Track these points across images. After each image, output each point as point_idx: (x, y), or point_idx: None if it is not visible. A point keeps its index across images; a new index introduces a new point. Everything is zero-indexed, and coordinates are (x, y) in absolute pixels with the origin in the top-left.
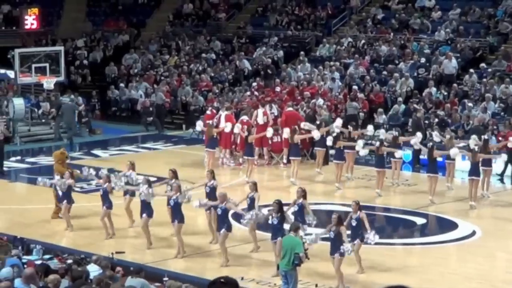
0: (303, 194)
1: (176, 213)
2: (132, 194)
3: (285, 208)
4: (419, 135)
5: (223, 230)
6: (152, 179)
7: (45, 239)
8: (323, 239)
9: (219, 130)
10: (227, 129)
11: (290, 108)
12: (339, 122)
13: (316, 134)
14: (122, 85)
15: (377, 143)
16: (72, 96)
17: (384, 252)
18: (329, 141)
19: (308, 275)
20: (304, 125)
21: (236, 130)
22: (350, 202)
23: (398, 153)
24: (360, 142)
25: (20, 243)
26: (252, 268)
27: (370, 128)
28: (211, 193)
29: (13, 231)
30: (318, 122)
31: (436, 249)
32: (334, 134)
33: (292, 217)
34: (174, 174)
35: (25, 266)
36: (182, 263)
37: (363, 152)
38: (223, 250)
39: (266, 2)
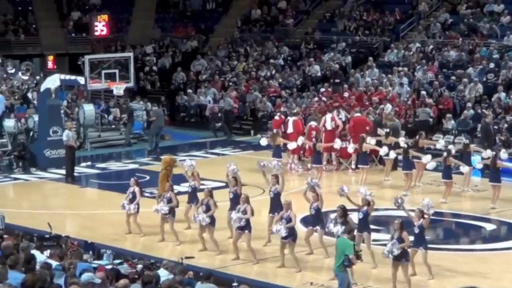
0: (367, 202)
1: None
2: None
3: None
4: (489, 152)
5: (289, 240)
6: (221, 184)
7: (115, 244)
8: (381, 244)
9: (284, 141)
10: (291, 146)
11: (358, 114)
12: (405, 139)
13: (382, 151)
14: (190, 91)
15: (445, 154)
16: (142, 102)
17: (455, 258)
18: (394, 154)
19: (377, 281)
20: (370, 139)
21: (299, 142)
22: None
23: (465, 169)
24: (428, 156)
25: (90, 248)
26: (323, 274)
27: (441, 142)
28: (275, 199)
29: (84, 236)
30: (387, 130)
31: (506, 255)
32: (399, 151)
33: (356, 223)
34: (236, 181)
35: (96, 271)
36: (252, 268)
37: (431, 165)
38: (294, 258)
39: (334, 8)
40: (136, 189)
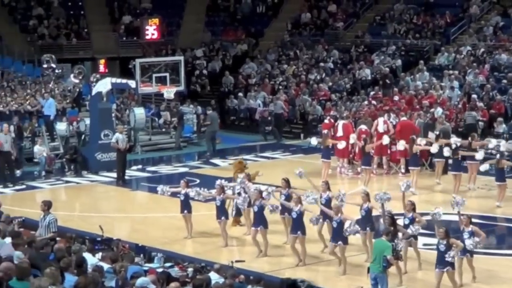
0: (412, 207)
1: (299, 224)
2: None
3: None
4: None
5: (340, 243)
6: (271, 188)
7: (165, 247)
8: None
9: (334, 142)
10: (341, 146)
11: (404, 118)
12: (457, 139)
13: (434, 149)
14: (240, 94)
15: (498, 156)
16: (192, 106)
17: (506, 263)
18: (447, 152)
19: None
20: (421, 140)
21: (351, 141)
22: (469, 212)
23: None
24: (481, 152)
25: (141, 251)
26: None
27: (493, 141)
28: (326, 205)
29: (135, 239)
30: (437, 133)
31: None
32: (453, 147)
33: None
34: (287, 184)
35: (147, 274)
36: (301, 272)
37: (484, 167)
38: (343, 261)
39: (384, 11)
40: (188, 190)
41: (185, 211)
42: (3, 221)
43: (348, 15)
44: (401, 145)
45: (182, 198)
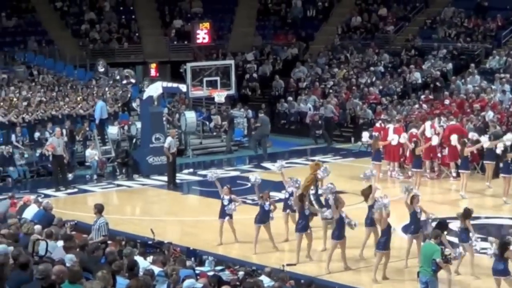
0: (465, 214)
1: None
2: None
3: None
4: None
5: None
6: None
7: (216, 250)
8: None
9: (385, 143)
10: (394, 142)
11: (453, 122)
12: (510, 136)
13: (485, 143)
14: (291, 98)
15: None
16: (242, 110)
17: None
18: (499, 149)
19: None
20: (473, 135)
21: (402, 140)
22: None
23: None
24: None
25: (193, 254)
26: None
27: None
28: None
29: (186, 243)
30: (488, 136)
31: None
32: (502, 148)
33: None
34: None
35: (198, 277)
36: (351, 275)
37: None
38: (376, 266)
39: (434, 15)
40: (233, 197)
41: (227, 217)
42: (56, 224)
43: (399, 19)
44: (454, 140)
45: (226, 203)
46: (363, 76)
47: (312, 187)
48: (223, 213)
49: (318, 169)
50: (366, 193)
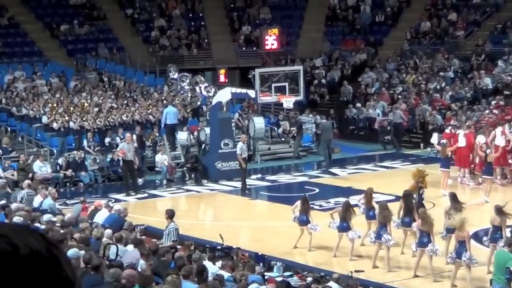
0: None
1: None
2: None
3: None
4: None
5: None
6: (391, 197)
7: (285, 256)
8: None
9: (452, 148)
10: (461, 144)
11: None
12: None
13: None
14: (359, 104)
15: None
16: (311, 115)
17: None
18: None
19: None
20: None
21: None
22: None
23: None
24: None
25: (261, 260)
26: None
27: None
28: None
29: (255, 248)
30: None
31: None
32: None
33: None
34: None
35: (266, 283)
36: (422, 283)
37: None
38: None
39: (505, 19)
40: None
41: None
42: (126, 228)
43: (469, 24)
44: None
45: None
46: (433, 81)
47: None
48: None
49: (421, 176)
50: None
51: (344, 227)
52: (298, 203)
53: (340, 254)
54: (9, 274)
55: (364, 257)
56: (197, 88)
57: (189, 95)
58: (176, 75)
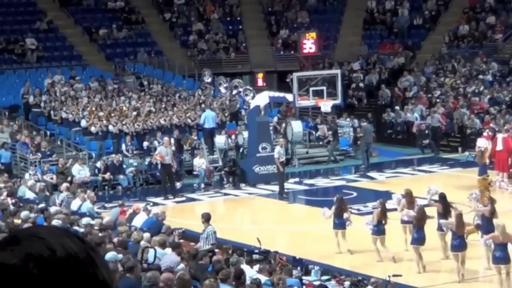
0: None
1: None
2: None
3: None
4: None
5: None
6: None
7: (322, 260)
8: None
9: (488, 154)
10: (499, 148)
11: None
12: None
13: None
14: (397, 107)
15: None
16: (348, 119)
17: None
18: None
19: None
20: None
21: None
22: None
23: None
24: None
25: (299, 263)
26: None
27: None
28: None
29: (292, 252)
30: None
31: None
32: None
33: None
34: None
35: (304, 286)
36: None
37: None
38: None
39: None
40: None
41: (339, 228)
42: (164, 232)
43: (507, 27)
44: None
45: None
46: (471, 85)
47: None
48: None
49: (487, 184)
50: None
51: (379, 230)
52: (332, 208)
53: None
54: (46, 276)
55: (404, 260)
56: (236, 92)
57: (228, 98)
58: (210, 79)
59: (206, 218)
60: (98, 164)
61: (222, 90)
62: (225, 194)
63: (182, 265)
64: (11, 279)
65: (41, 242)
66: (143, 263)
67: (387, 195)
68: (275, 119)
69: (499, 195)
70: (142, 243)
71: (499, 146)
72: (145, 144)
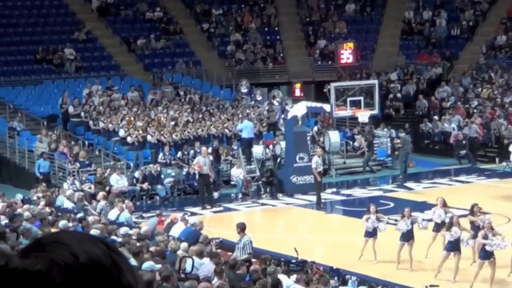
0: None
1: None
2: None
3: None
4: None
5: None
6: (465, 212)
7: (359, 270)
8: None
9: None
10: None
11: None
12: None
13: None
14: (435, 118)
15: None
16: (386, 129)
17: None
18: None
19: None
20: None
21: None
22: None
23: None
24: None
25: (336, 273)
26: None
27: None
28: None
29: (329, 262)
30: None
31: None
32: None
33: None
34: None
35: None
36: None
37: None
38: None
39: None
40: (379, 215)
41: (369, 236)
42: (202, 242)
43: None
44: None
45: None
46: (508, 95)
47: None
48: (368, 232)
49: None
50: None
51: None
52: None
53: (417, 268)
54: (69, 283)
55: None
56: (275, 102)
57: (266, 109)
58: (246, 90)
59: (242, 228)
60: (136, 174)
61: (258, 98)
62: (263, 204)
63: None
64: (35, 286)
65: (65, 248)
66: (181, 273)
67: (424, 206)
68: (315, 128)
69: None
70: (180, 252)
71: None
72: (183, 154)
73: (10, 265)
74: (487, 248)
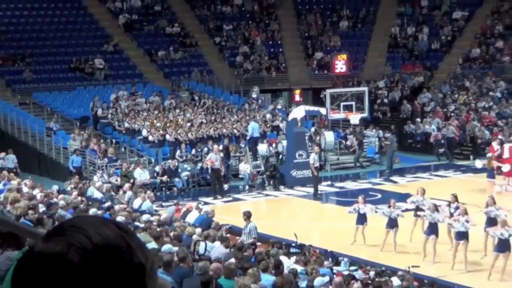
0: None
1: (463, 234)
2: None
3: None
4: None
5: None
6: (443, 203)
7: (351, 252)
8: None
9: (498, 164)
10: (505, 169)
11: None
12: None
13: None
14: (418, 120)
15: None
16: (374, 130)
17: None
18: None
19: None
20: None
21: (505, 169)
22: None
23: None
24: None
25: (330, 255)
26: None
27: None
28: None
29: (325, 245)
30: None
31: None
32: None
33: None
34: (455, 198)
35: (335, 275)
36: (466, 277)
37: None
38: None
39: None
40: (366, 205)
41: (360, 224)
42: (213, 227)
43: None
44: None
45: (361, 212)
46: (481, 101)
47: None
48: (359, 220)
49: None
50: None
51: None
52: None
53: (400, 251)
54: (84, 263)
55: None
56: (278, 108)
57: (271, 114)
58: (255, 95)
59: (248, 215)
60: (157, 169)
61: (267, 105)
62: (267, 195)
63: (232, 260)
64: (55, 267)
65: (81, 231)
66: (195, 255)
67: (408, 197)
68: (313, 129)
69: (505, 197)
70: (194, 237)
71: (506, 155)
72: (197, 151)
73: (35, 249)
74: (454, 228)
